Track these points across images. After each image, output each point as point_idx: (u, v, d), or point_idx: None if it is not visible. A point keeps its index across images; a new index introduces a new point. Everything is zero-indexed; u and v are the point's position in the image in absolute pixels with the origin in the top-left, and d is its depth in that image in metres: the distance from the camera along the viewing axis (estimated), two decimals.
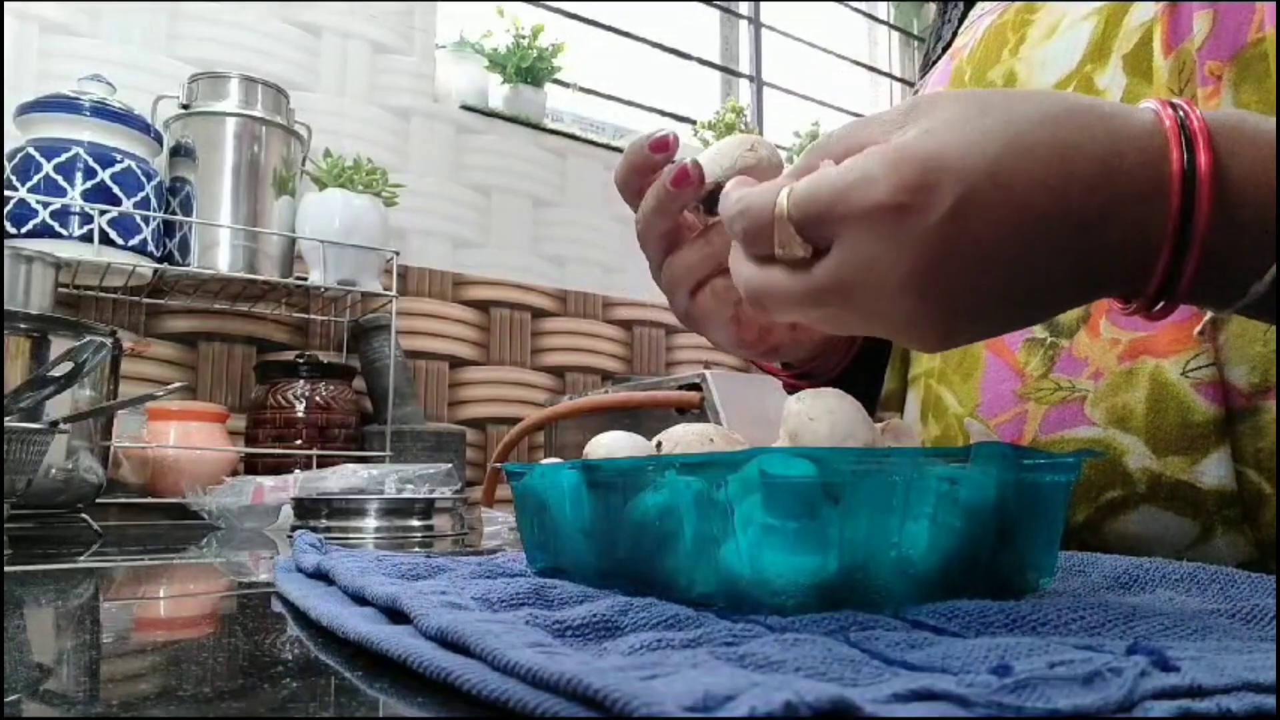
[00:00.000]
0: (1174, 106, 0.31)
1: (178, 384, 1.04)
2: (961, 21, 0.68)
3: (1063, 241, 0.29)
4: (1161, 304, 0.32)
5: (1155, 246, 0.30)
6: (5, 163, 1.21)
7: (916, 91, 0.68)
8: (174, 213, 1.35)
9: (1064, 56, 0.50)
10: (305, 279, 1.43)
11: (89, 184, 1.21)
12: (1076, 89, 0.49)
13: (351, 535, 0.93)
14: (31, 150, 1.21)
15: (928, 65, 0.71)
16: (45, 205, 1.19)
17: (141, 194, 1.27)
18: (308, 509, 0.98)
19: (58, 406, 0.89)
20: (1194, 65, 0.44)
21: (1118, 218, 0.29)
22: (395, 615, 0.31)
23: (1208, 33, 0.43)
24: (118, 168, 1.24)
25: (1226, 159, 0.29)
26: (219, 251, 1.35)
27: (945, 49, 0.67)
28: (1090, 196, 0.29)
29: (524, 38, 1.89)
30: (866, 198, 0.29)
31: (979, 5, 0.65)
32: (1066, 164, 0.29)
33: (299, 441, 1.38)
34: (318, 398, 1.41)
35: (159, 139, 1.33)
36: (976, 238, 0.29)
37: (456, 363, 1.76)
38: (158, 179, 1.31)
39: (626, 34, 2.20)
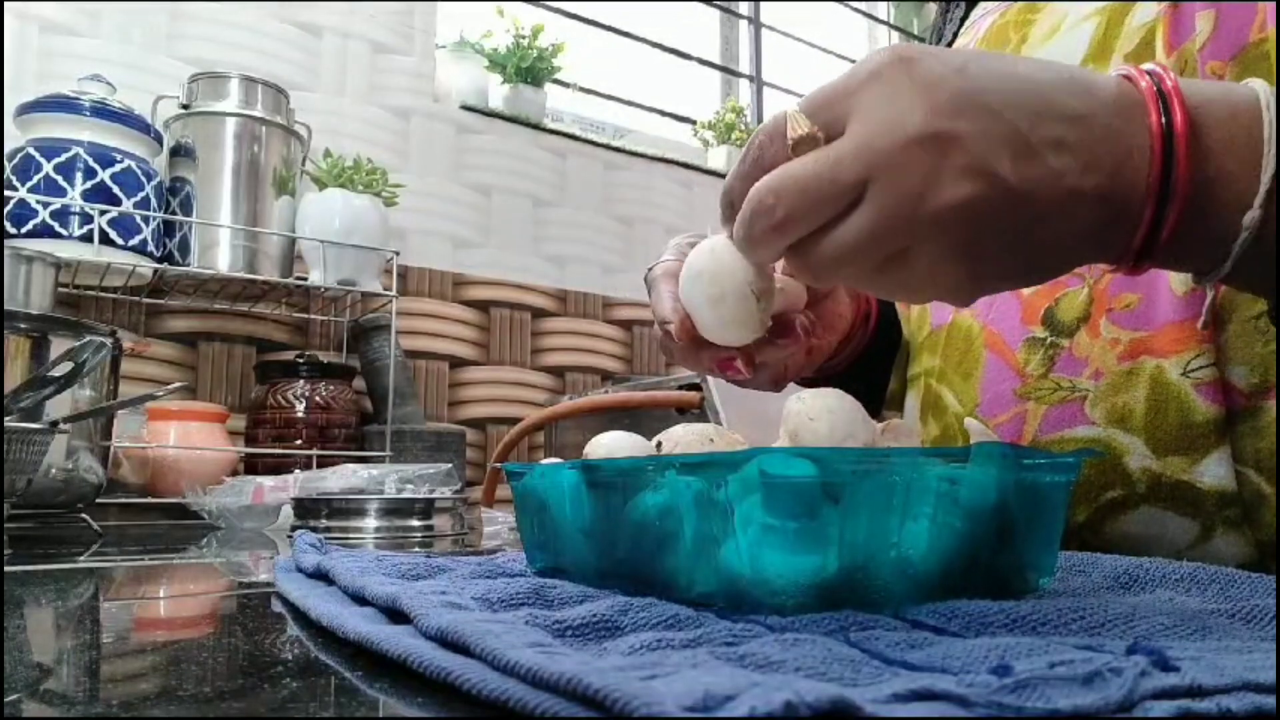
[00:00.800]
0: (1148, 72, 0.32)
1: (178, 384, 1.04)
2: (963, 21, 0.68)
3: (1062, 128, 0.31)
4: (1147, 259, 0.33)
5: (1139, 201, 0.31)
6: (5, 163, 1.21)
7: None
8: (174, 213, 1.35)
9: (1066, 56, 0.50)
10: (305, 279, 1.43)
11: (89, 184, 1.21)
12: None
13: (351, 535, 0.93)
14: (31, 150, 1.21)
15: None
16: (45, 205, 1.19)
17: (141, 194, 1.27)
18: (308, 509, 0.98)
19: (58, 406, 0.89)
20: (1196, 65, 0.44)
21: (1107, 126, 0.31)
22: (395, 615, 0.31)
23: (1210, 33, 0.43)
24: (118, 168, 1.24)
25: (1199, 115, 0.31)
26: (219, 251, 1.35)
27: (947, 48, 0.67)
28: (1078, 96, 0.32)
29: (524, 38, 1.89)
30: (873, 62, 0.32)
31: (980, 5, 0.65)
32: (1053, 77, 0.32)
33: (299, 441, 1.38)
34: (318, 398, 1.41)
35: (159, 139, 1.33)
36: (983, 85, 0.31)
37: (456, 363, 1.76)
38: (158, 179, 1.31)
39: (626, 34, 2.20)
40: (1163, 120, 0.31)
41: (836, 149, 0.31)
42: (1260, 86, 0.32)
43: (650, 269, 0.47)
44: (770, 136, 0.34)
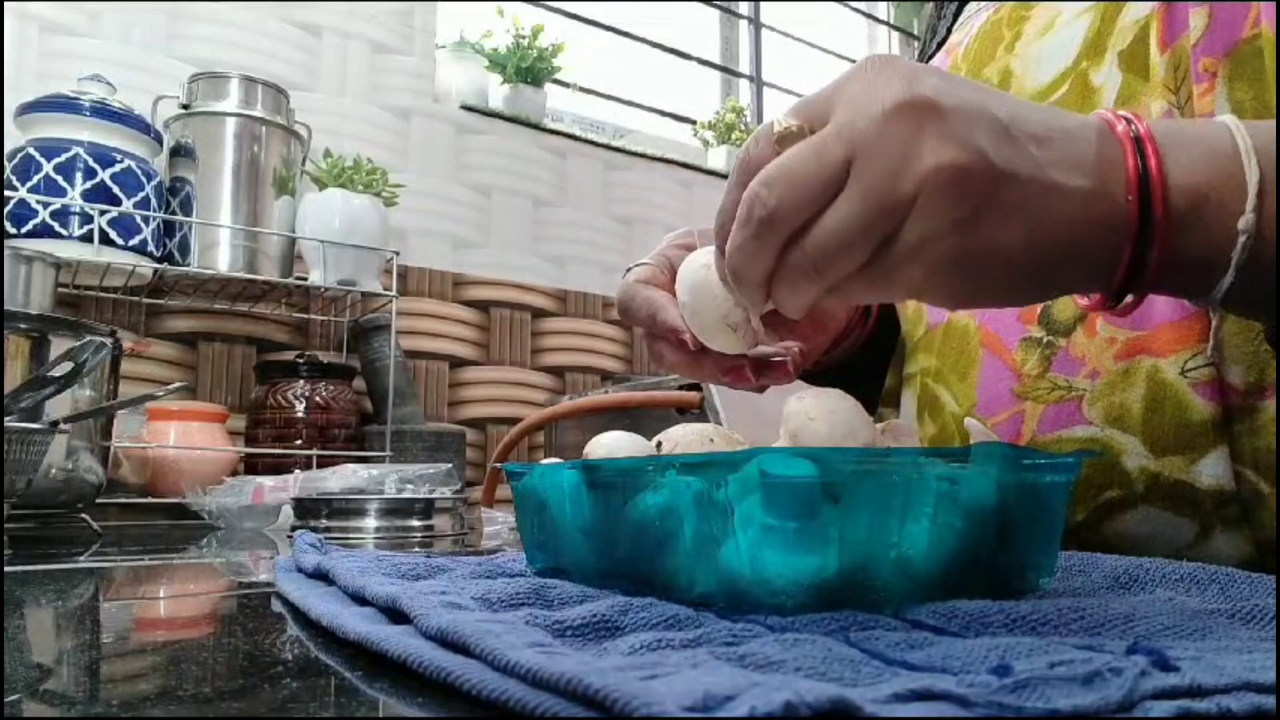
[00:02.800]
0: (1124, 117, 0.34)
1: (178, 384, 1.04)
2: (956, 18, 0.68)
3: (1040, 130, 0.32)
4: (1129, 297, 0.34)
5: (1125, 206, 0.32)
6: (5, 163, 1.21)
7: None
8: (174, 213, 1.35)
9: (1060, 53, 0.50)
10: (305, 279, 1.43)
11: (89, 184, 1.21)
12: (1072, 86, 0.49)
13: (351, 535, 0.93)
14: (31, 150, 1.21)
15: (923, 61, 0.71)
16: (45, 205, 1.19)
17: (141, 194, 1.27)
18: (308, 509, 0.98)
19: (58, 406, 0.89)
20: (1189, 62, 0.44)
21: (1083, 143, 0.33)
22: (395, 615, 0.31)
23: (1203, 29, 0.43)
24: (118, 168, 1.24)
25: (1172, 157, 0.33)
26: (219, 251, 1.35)
27: (940, 45, 0.67)
28: (1057, 128, 0.33)
29: (524, 38, 1.89)
30: (856, 66, 0.33)
31: (974, 2, 0.65)
32: (1025, 108, 0.33)
33: (299, 441, 1.38)
34: (318, 398, 1.41)
35: (159, 139, 1.33)
36: (963, 82, 0.32)
37: (456, 363, 1.76)
38: (158, 179, 1.31)
39: (626, 34, 2.20)
40: (1132, 131, 0.33)
41: (820, 134, 0.32)
42: (1226, 117, 0.34)
43: (626, 272, 0.47)
44: (757, 139, 0.34)
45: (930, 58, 0.68)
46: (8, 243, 1.14)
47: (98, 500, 1.05)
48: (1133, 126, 0.33)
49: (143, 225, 1.27)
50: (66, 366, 0.79)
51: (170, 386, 0.96)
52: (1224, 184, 0.32)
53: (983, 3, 0.62)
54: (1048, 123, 0.33)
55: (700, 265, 0.39)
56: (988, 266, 0.32)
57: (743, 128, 2.23)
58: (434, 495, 1.02)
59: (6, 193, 1.19)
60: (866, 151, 0.31)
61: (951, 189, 0.30)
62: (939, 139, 0.30)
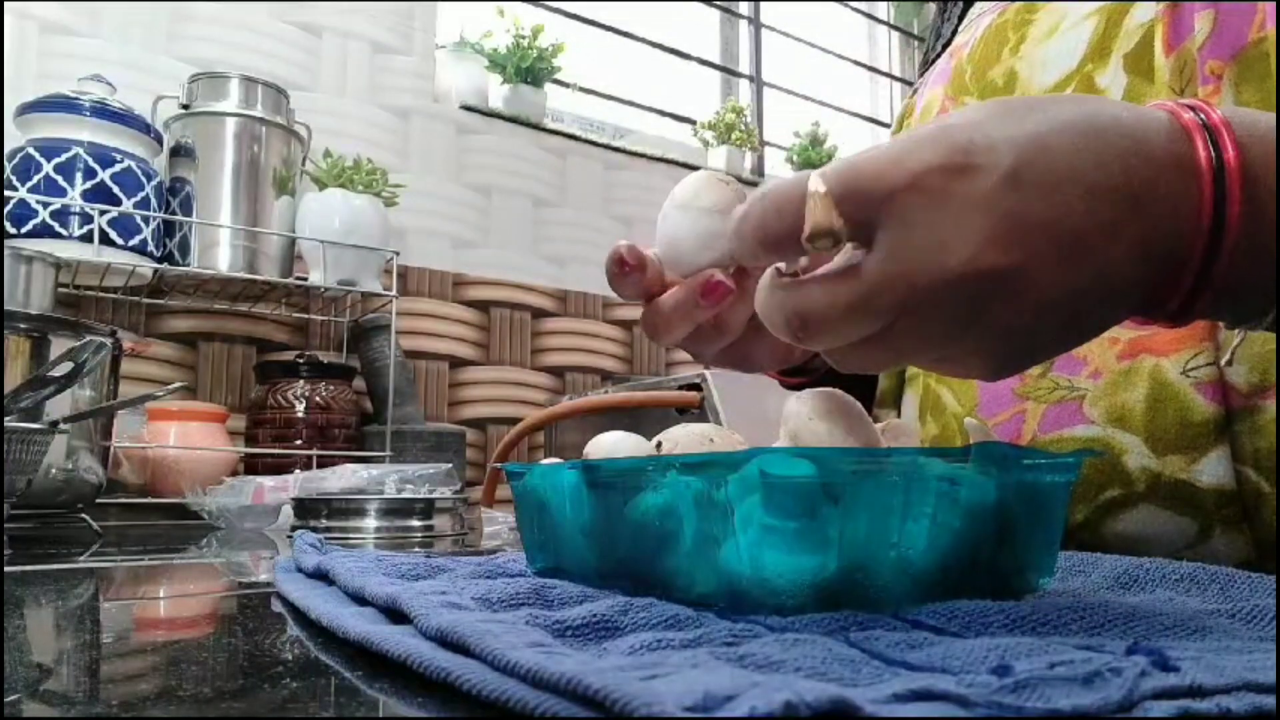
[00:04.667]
0: (1189, 106, 0.30)
1: (178, 384, 1.04)
2: (961, 20, 0.68)
3: (1118, 211, 0.28)
4: (1192, 305, 0.31)
5: (1187, 240, 0.29)
6: (5, 163, 1.21)
7: (916, 90, 0.68)
8: (174, 213, 1.35)
9: (1065, 56, 0.50)
10: (305, 279, 1.43)
11: (89, 184, 1.21)
12: (1077, 89, 0.49)
13: (351, 535, 0.93)
14: (31, 150, 1.21)
15: (927, 64, 0.71)
16: (45, 205, 1.19)
17: (141, 194, 1.27)
18: (308, 509, 0.98)
19: (58, 406, 0.89)
20: (1195, 65, 0.44)
21: (1158, 192, 0.29)
22: (395, 615, 0.31)
23: (1209, 32, 0.43)
24: (118, 168, 1.24)
25: (1249, 148, 0.29)
26: (219, 251, 1.35)
27: (945, 47, 0.67)
28: (1130, 169, 0.29)
29: (524, 38, 1.89)
30: (917, 161, 0.27)
31: (979, 4, 0.65)
32: (1102, 138, 0.29)
33: (299, 441, 1.38)
34: (318, 398, 1.41)
35: (159, 139, 1.33)
36: (1037, 200, 0.27)
37: (456, 363, 1.76)
38: (158, 179, 1.31)
39: (626, 34, 2.20)
40: (1211, 155, 0.29)
41: (869, 279, 0.28)
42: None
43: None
44: (780, 211, 0.30)
45: (935, 59, 0.68)
46: (8, 243, 1.14)
47: (98, 500, 1.05)
48: (1213, 154, 0.29)
49: (143, 225, 1.27)
50: (66, 366, 0.79)
51: (170, 386, 0.96)
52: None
53: (988, 4, 0.62)
54: (1126, 193, 0.28)
55: (694, 182, 0.38)
56: (1023, 362, 0.31)
57: (743, 128, 2.23)
58: (434, 495, 1.02)
59: (6, 193, 1.19)
60: (921, 311, 0.28)
61: (1004, 340, 0.29)
62: (1004, 307, 0.28)
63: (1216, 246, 0.29)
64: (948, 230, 0.27)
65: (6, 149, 1.23)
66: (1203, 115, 0.30)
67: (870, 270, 0.28)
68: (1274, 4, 0.42)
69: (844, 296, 0.28)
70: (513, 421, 1.70)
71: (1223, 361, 0.41)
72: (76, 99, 1.24)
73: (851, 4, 2.72)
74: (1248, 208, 0.29)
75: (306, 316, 1.58)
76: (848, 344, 0.30)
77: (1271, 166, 0.29)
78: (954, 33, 0.67)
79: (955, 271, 0.27)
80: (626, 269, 0.38)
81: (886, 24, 2.79)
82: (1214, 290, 0.30)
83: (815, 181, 0.28)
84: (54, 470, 0.94)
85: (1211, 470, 0.42)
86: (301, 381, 1.41)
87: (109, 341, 0.98)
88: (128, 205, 1.24)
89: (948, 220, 0.27)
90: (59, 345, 0.92)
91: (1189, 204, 0.29)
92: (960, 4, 0.69)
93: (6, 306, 0.98)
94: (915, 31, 2.78)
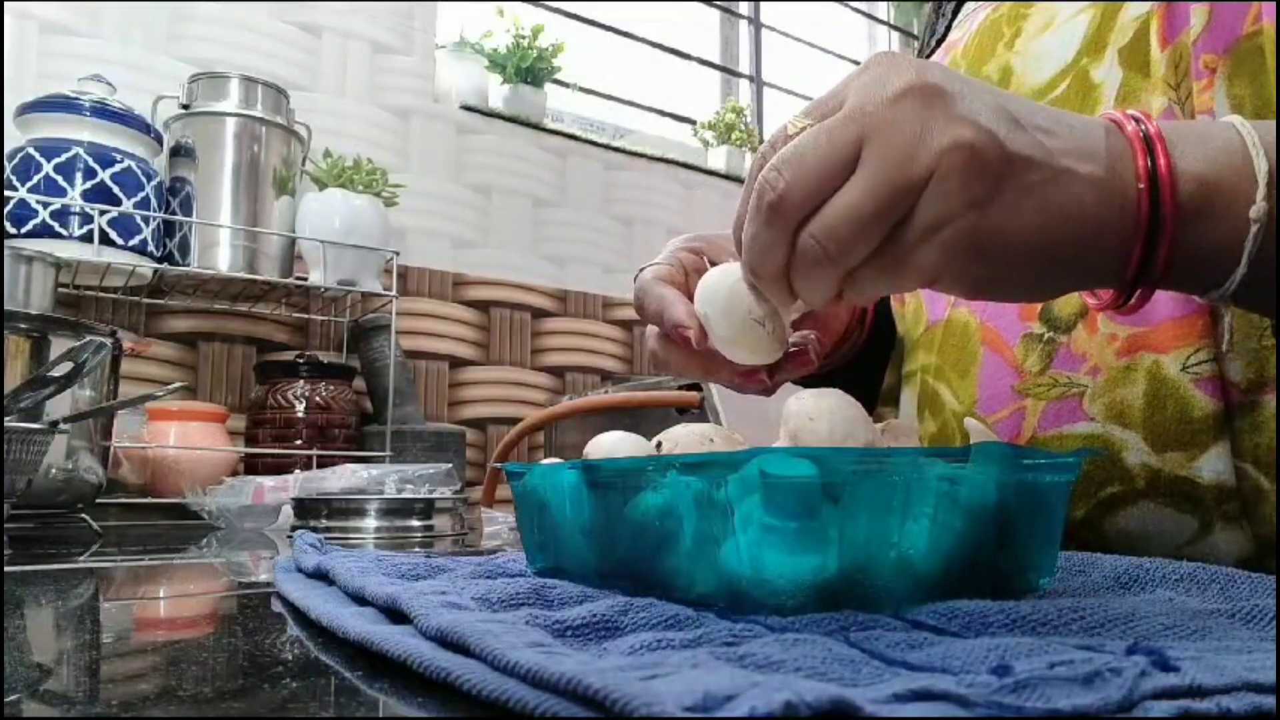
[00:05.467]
0: (1132, 117, 0.34)
1: (178, 384, 1.04)
2: (955, 15, 0.68)
3: (1054, 129, 0.33)
4: (1138, 293, 0.35)
5: (1135, 194, 0.33)
6: (5, 163, 1.21)
7: None
8: (174, 213, 1.35)
9: (1060, 50, 0.50)
10: (305, 279, 1.43)
11: (89, 184, 1.21)
12: (1073, 83, 0.49)
13: (351, 535, 0.93)
14: (31, 150, 1.21)
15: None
16: (45, 205, 1.19)
17: (141, 194, 1.27)
18: (308, 509, 0.98)
19: (58, 406, 0.89)
20: (1190, 59, 0.44)
21: (1101, 147, 0.33)
22: (395, 615, 0.31)
23: (1204, 26, 0.43)
24: (118, 168, 1.24)
25: (1180, 152, 0.33)
26: (219, 251, 1.35)
27: (939, 43, 0.67)
28: (1074, 124, 0.33)
29: (524, 38, 1.89)
30: (864, 66, 0.33)
31: (971, 1, 0.65)
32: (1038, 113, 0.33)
33: (299, 441, 1.38)
34: (318, 398, 1.41)
35: (159, 139, 1.33)
36: (970, 78, 0.33)
37: (456, 363, 1.76)
38: (158, 179, 1.31)
39: (626, 34, 2.20)
40: (1141, 131, 0.33)
41: (830, 119, 0.32)
42: (1230, 117, 0.35)
43: (640, 270, 0.47)
44: (771, 142, 0.34)
45: (929, 56, 0.68)
46: (8, 243, 1.14)
47: (98, 500, 1.05)
48: (1142, 126, 0.33)
49: (143, 225, 1.27)
50: (66, 366, 0.79)
51: (170, 386, 0.96)
52: (1233, 176, 0.33)
53: (982, 0, 0.62)
54: (1054, 116, 0.33)
55: (721, 270, 0.38)
56: (1002, 250, 0.32)
57: (743, 128, 2.23)
58: (434, 495, 1.02)
59: (6, 193, 1.19)
60: (878, 132, 0.31)
61: (964, 168, 0.30)
62: (950, 119, 0.30)
63: (1156, 206, 0.32)
64: (891, 73, 0.32)
65: (6, 149, 1.23)
66: (1144, 126, 0.34)
67: (834, 116, 0.32)
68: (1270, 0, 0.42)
69: (809, 135, 0.32)
70: (513, 421, 1.70)
71: (1223, 346, 0.42)
72: (76, 99, 1.24)
73: (851, 4, 2.72)
74: (1188, 166, 0.33)
75: (306, 316, 1.58)
76: (865, 258, 0.32)
77: (1202, 168, 0.33)
78: (948, 29, 0.67)
79: (898, 89, 0.31)
80: (687, 347, 0.41)
81: (886, 24, 2.79)
82: (1169, 250, 0.33)
83: (793, 126, 0.34)
84: (54, 470, 0.94)
85: (1211, 466, 0.42)
86: (301, 381, 1.41)
87: (109, 341, 0.98)
88: (128, 205, 1.24)
89: (891, 69, 0.32)
90: (59, 345, 0.92)
91: (1127, 154, 0.33)
92: (954, 1, 0.69)
93: (6, 306, 0.98)
94: (915, 31, 2.78)
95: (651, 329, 0.44)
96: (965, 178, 0.30)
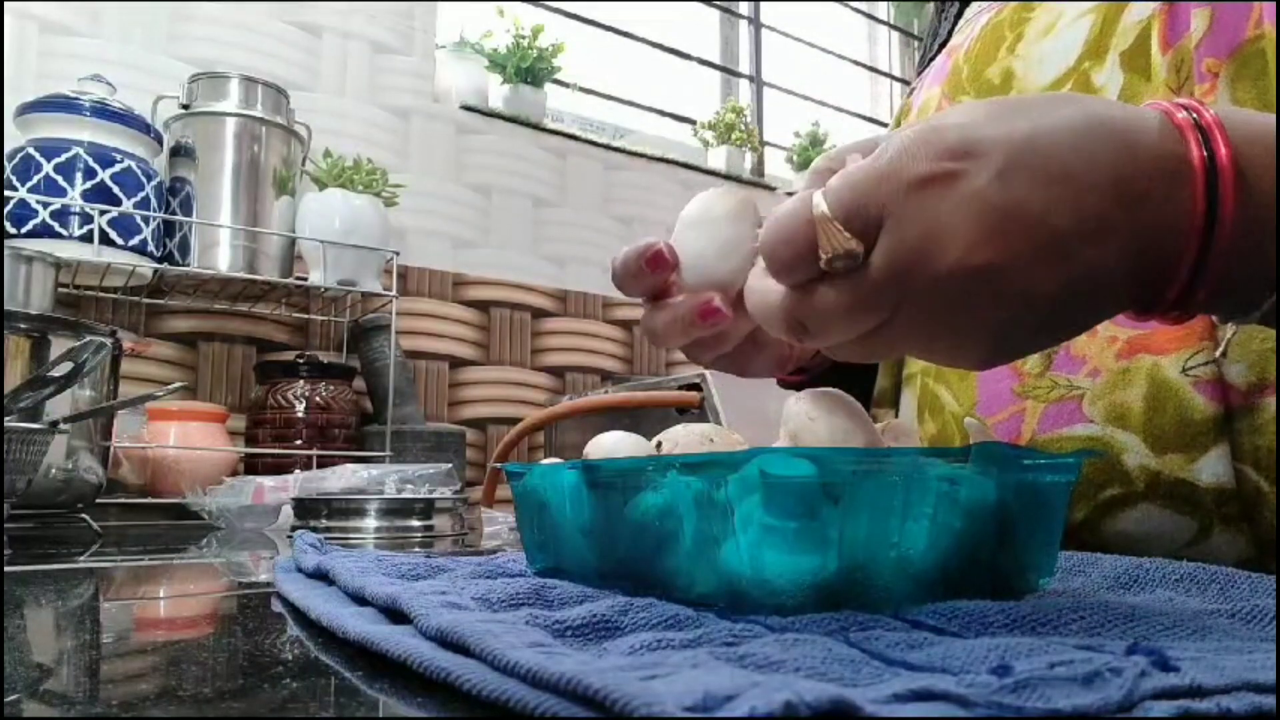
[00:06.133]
0: (1183, 105, 0.31)
1: (178, 384, 1.04)
2: (958, 19, 0.68)
3: (1107, 211, 0.29)
4: (1188, 302, 0.31)
5: (1182, 238, 0.29)
6: (5, 163, 1.21)
7: (913, 89, 0.68)
8: (174, 213, 1.35)
9: (1061, 54, 0.50)
10: (305, 279, 1.43)
11: (89, 184, 1.21)
12: (1074, 87, 0.49)
13: (351, 535, 0.93)
14: (31, 150, 1.21)
15: (924, 63, 0.71)
16: (45, 205, 1.19)
17: (141, 194, 1.27)
18: (308, 509, 0.98)
19: (58, 406, 0.89)
20: (1192, 62, 0.44)
21: (1150, 191, 0.29)
22: (395, 615, 0.31)
23: (1205, 30, 0.43)
24: (118, 168, 1.24)
25: (1243, 148, 0.29)
26: (219, 251, 1.35)
27: (942, 47, 0.67)
28: (1120, 167, 0.29)
29: (524, 38, 1.89)
30: (911, 170, 0.29)
31: (976, 3, 0.65)
32: (1092, 137, 0.29)
33: (299, 441, 1.38)
34: (318, 398, 1.41)
35: (159, 139, 1.33)
36: (1026, 199, 0.28)
37: (456, 363, 1.76)
38: (158, 179, 1.31)
39: (626, 34, 2.20)
40: (1205, 154, 0.29)
41: (868, 281, 0.29)
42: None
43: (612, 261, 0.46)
44: (788, 240, 0.30)
45: (931, 59, 0.68)
46: (8, 243, 1.14)
47: (98, 500, 1.05)
48: (1207, 155, 0.29)
49: (143, 225, 1.27)
50: (66, 366, 0.79)
51: (170, 386, 0.96)
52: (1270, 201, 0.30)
53: (985, 3, 0.62)
54: (1105, 199, 0.29)
55: (700, 196, 0.39)
56: (1014, 354, 0.32)
57: (743, 128, 2.23)
58: (434, 495, 1.02)
59: (6, 193, 1.19)
60: (917, 303, 0.29)
61: (993, 333, 0.30)
62: (992, 299, 0.29)
63: (1210, 245, 0.29)
64: (941, 230, 0.28)
65: (6, 149, 1.23)
66: (1195, 115, 0.30)
67: (874, 265, 0.29)
68: (1271, 1, 0.42)
69: (848, 295, 0.30)
70: (513, 421, 1.70)
71: (1218, 353, 0.42)
72: (76, 99, 1.23)
73: (851, 4, 2.72)
74: (1241, 206, 0.29)
75: (306, 316, 1.58)
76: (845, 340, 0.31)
77: (1266, 165, 0.29)
78: (950, 32, 0.67)
79: (947, 268, 0.28)
80: (658, 268, 0.39)
81: (886, 24, 2.79)
82: (1209, 287, 0.30)
83: (819, 203, 0.30)
84: (54, 470, 0.94)
85: (1211, 469, 0.42)
86: (301, 381, 1.41)
87: (109, 341, 0.98)
88: (128, 205, 1.24)
89: (940, 221, 0.28)
90: (59, 345, 0.92)
91: (1181, 203, 0.29)
92: (957, 3, 0.69)
93: (6, 306, 0.98)
94: (915, 31, 2.78)
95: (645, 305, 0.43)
96: (989, 338, 0.30)
